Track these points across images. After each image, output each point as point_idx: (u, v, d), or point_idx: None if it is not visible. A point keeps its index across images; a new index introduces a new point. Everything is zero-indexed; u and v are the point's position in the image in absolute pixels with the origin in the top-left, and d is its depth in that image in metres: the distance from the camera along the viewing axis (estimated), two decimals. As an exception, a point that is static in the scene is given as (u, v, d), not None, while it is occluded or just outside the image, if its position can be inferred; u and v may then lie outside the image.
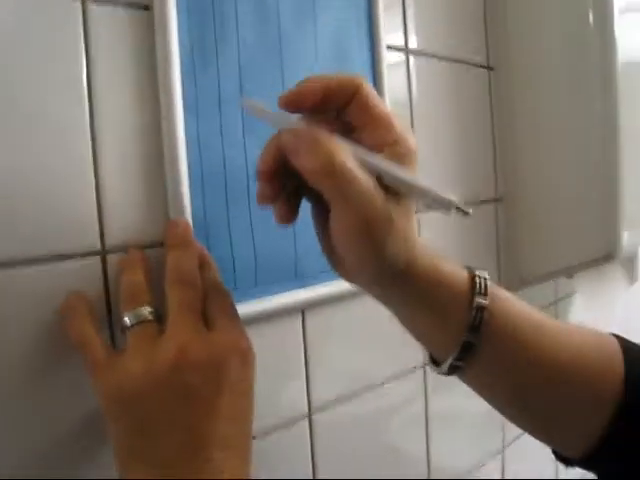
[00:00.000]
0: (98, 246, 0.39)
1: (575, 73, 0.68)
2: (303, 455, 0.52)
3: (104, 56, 0.39)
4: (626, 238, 0.66)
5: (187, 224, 0.42)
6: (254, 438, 0.47)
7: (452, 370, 0.39)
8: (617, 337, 0.42)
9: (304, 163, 0.34)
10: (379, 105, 0.36)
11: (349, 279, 0.40)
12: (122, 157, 0.40)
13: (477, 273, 0.39)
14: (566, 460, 0.42)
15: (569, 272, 0.74)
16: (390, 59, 0.58)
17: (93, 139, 0.39)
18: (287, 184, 0.37)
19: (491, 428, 0.77)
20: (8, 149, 0.35)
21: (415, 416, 0.65)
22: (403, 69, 0.62)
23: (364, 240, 0.34)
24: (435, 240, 0.61)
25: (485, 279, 0.38)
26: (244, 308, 0.45)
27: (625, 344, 0.41)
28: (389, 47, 0.58)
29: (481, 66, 0.73)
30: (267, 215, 0.47)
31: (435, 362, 0.41)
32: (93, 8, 0.39)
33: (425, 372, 0.65)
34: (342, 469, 0.55)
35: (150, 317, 0.36)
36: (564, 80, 0.69)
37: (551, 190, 0.72)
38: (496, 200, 0.75)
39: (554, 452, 0.43)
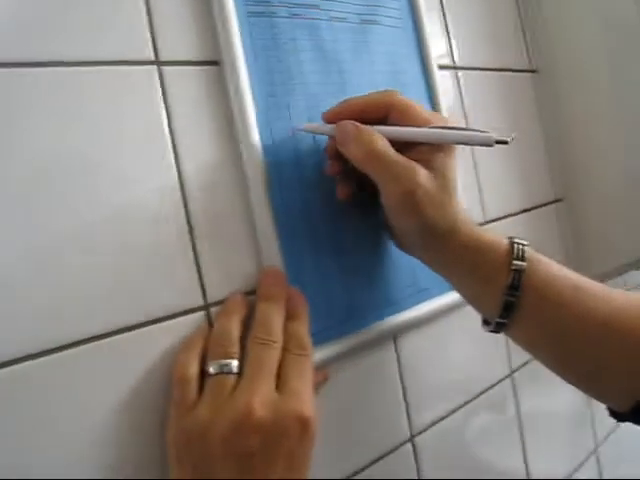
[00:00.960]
0: (201, 302, 0.40)
1: (620, 66, 0.68)
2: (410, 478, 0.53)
3: (183, 112, 0.41)
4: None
5: (279, 273, 0.43)
6: (362, 470, 0.48)
7: (499, 327, 0.44)
8: None
9: (352, 151, 0.42)
10: (416, 109, 0.43)
11: (401, 247, 0.48)
12: (212, 210, 0.42)
13: (516, 240, 0.43)
14: (618, 415, 0.43)
15: (638, 265, 0.73)
16: (441, 78, 0.59)
17: (184, 198, 0.40)
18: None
19: (582, 428, 0.76)
20: (107, 231, 0.36)
21: (509, 425, 0.65)
22: (454, 85, 0.63)
23: (407, 211, 0.41)
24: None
25: (523, 245, 0.43)
26: (339, 344, 0.46)
27: None
28: (440, 67, 0.59)
29: (524, 70, 0.73)
30: (354, 251, 0.49)
31: (485, 322, 0.46)
32: (167, 69, 0.40)
33: (512, 379, 0.65)
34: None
35: (233, 370, 0.37)
36: (610, 75, 0.69)
37: (610, 184, 0.72)
38: (556, 201, 0.75)
39: (608, 408, 0.45)
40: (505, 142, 0.40)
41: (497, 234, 0.45)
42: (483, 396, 0.61)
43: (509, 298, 0.42)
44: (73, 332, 0.34)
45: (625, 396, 0.41)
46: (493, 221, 0.64)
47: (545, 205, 0.73)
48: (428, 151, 0.42)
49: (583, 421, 0.75)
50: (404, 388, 0.53)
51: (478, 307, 0.46)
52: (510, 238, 0.44)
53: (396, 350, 0.53)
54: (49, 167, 0.35)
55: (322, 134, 0.45)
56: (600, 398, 0.44)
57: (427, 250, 0.45)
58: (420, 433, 0.54)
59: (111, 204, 0.37)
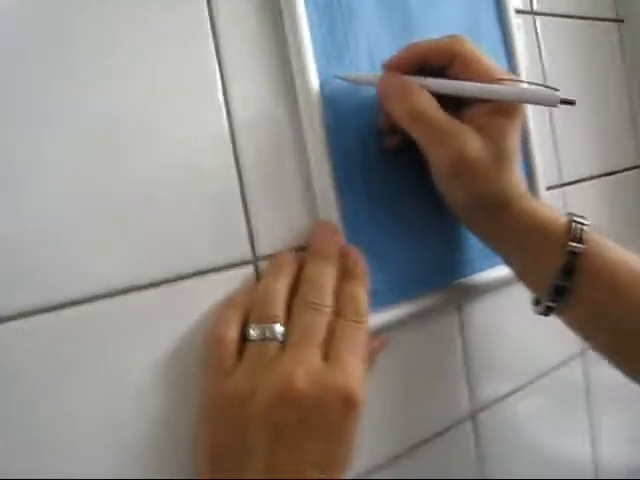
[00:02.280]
0: (250, 256, 0.37)
1: None
2: (468, 458, 0.49)
3: (234, 52, 0.37)
4: None
5: (334, 228, 0.39)
6: (418, 446, 0.45)
7: (548, 311, 0.40)
8: None
9: (394, 108, 0.39)
10: (480, 61, 0.39)
11: (453, 213, 0.43)
12: (264, 161, 0.38)
13: (576, 219, 0.39)
14: None
15: None
16: (518, 22, 0.53)
17: (234, 146, 0.37)
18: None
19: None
20: (152, 166, 0.34)
21: (577, 407, 0.60)
22: (532, 31, 0.57)
23: (452, 179, 0.39)
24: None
25: (583, 225, 0.39)
26: (397, 311, 0.43)
27: None
28: (517, 11, 0.53)
29: (610, 19, 0.67)
30: (414, 210, 0.44)
31: (537, 302, 0.42)
32: (219, 7, 0.37)
33: (584, 357, 0.60)
34: (509, 469, 0.52)
35: (277, 336, 0.34)
36: None
37: None
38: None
39: None
40: (572, 102, 0.37)
41: (557, 211, 0.41)
42: (551, 374, 0.57)
43: (561, 282, 0.38)
44: (117, 281, 0.32)
45: None
46: (569, 184, 0.59)
47: (627, 170, 0.67)
48: (486, 114, 0.39)
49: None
50: (467, 361, 0.49)
51: (527, 285, 0.42)
52: (570, 215, 0.40)
53: (460, 319, 0.49)
54: (110, 126, 0.32)
55: (368, 84, 0.41)
56: None
57: (475, 221, 0.42)
58: (482, 410, 0.50)
59: (164, 157, 0.34)
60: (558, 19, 0.60)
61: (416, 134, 0.38)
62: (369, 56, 0.43)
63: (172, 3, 0.35)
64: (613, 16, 0.67)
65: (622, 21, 0.68)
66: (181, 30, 0.35)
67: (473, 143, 0.37)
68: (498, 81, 0.38)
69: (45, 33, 0.30)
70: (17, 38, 0.30)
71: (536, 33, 0.58)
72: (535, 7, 0.58)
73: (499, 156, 0.38)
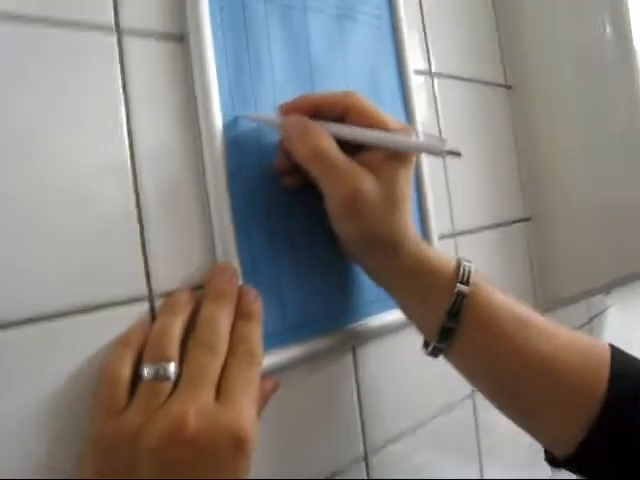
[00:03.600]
0: (145, 292, 0.37)
1: (594, 86, 0.68)
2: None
3: (141, 88, 0.38)
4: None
5: (231, 269, 0.39)
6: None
7: (436, 352, 0.42)
8: (610, 345, 0.42)
9: (295, 147, 0.40)
10: (373, 112, 0.41)
11: (347, 252, 0.45)
12: (164, 197, 0.38)
13: (464, 263, 0.41)
14: (554, 461, 0.42)
15: (606, 289, 0.72)
16: (416, 82, 0.57)
17: (135, 179, 0.37)
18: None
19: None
20: (50, 203, 0.33)
21: (468, 447, 0.62)
22: (429, 91, 0.61)
23: (346, 217, 0.40)
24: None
25: (470, 268, 0.41)
26: (293, 351, 0.43)
27: (614, 350, 0.41)
28: (416, 72, 0.57)
29: (499, 85, 0.72)
30: (312, 252, 0.46)
31: (426, 345, 0.43)
32: (128, 39, 0.37)
33: (474, 399, 0.63)
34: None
35: (170, 376, 0.33)
36: (583, 94, 0.69)
37: (581, 206, 0.70)
38: (527, 219, 0.74)
39: (545, 452, 0.43)
40: (458, 154, 0.39)
41: (446, 255, 0.43)
42: (443, 416, 0.58)
43: (448, 323, 0.40)
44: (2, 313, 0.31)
45: (565, 440, 0.39)
46: (461, 234, 0.62)
47: (515, 222, 0.72)
48: (380, 159, 0.40)
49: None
50: (360, 402, 0.50)
51: (418, 328, 0.44)
52: (458, 259, 0.42)
53: (354, 361, 0.49)
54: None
55: (270, 125, 0.43)
56: (540, 440, 0.42)
57: (367, 261, 0.44)
58: (375, 451, 0.51)
59: (57, 182, 0.33)
60: (454, 81, 0.65)
61: (315, 173, 0.40)
62: (273, 103, 0.44)
63: (82, 34, 0.35)
64: (503, 82, 0.73)
65: (510, 87, 0.74)
66: (89, 59, 0.35)
67: (368, 184, 0.39)
68: (390, 130, 0.40)
69: None
70: None
71: (433, 92, 0.61)
72: (433, 69, 0.62)
73: (392, 199, 0.40)
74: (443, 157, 0.39)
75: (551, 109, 0.72)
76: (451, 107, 0.64)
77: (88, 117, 0.35)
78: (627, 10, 0.64)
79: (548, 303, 0.74)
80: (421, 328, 0.43)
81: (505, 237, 0.69)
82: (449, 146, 0.39)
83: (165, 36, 0.39)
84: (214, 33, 0.41)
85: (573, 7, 0.69)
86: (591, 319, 0.85)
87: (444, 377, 0.55)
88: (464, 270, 0.41)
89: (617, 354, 0.40)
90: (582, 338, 0.42)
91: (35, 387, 0.32)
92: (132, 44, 0.38)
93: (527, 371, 0.40)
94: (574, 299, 0.73)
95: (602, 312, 0.87)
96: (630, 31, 0.64)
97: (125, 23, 0.37)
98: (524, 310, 0.41)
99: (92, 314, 0.34)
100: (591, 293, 0.72)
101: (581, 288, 0.72)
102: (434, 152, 0.40)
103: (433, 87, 0.62)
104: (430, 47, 0.62)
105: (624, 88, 0.65)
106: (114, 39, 0.37)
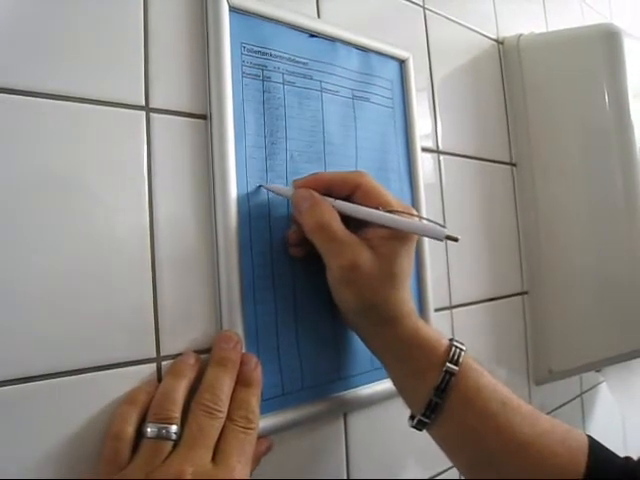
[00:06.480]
0: (154, 354, 0.39)
1: (595, 164, 0.71)
2: None
3: (164, 159, 0.41)
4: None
5: (236, 338, 0.42)
6: None
7: (421, 425, 0.44)
8: (588, 436, 0.43)
9: (303, 219, 0.43)
10: (379, 193, 0.44)
11: (344, 320, 0.48)
12: (177, 263, 0.41)
13: (455, 343, 0.44)
14: None
15: (598, 366, 0.74)
16: (423, 158, 0.60)
17: (152, 245, 0.40)
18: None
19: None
20: (72, 258, 0.36)
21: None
22: (435, 168, 0.64)
23: (343, 287, 0.43)
24: (462, 334, 0.61)
25: (461, 349, 0.43)
26: (288, 415, 0.45)
27: (592, 441, 0.42)
28: (423, 149, 0.61)
29: (504, 162, 0.76)
30: (313, 323, 0.48)
31: (412, 417, 0.45)
32: (155, 116, 0.41)
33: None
34: None
35: (171, 436, 0.36)
36: (585, 173, 0.72)
37: (579, 282, 0.73)
38: (523, 293, 0.76)
39: None
40: (455, 239, 0.41)
41: (440, 333, 0.45)
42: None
43: (435, 399, 0.42)
44: (13, 370, 0.33)
45: None
46: (458, 306, 0.64)
47: (512, 296, 0.74)
48: (381, 236, 0.43)
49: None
50: (349, 466, 0.51)
51: (405, 400, 0.46)
52: (451, 340, 0.44)
53: (345, 427, 0.51)
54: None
55: (283, 195, 0.46)
56: None
57: (363, 330, 0.46)
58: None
59: (82, 237, 0.37)
60: (459, 158, 0.68)
61: (318, 243, 0.42)
62: (287, 178, 0.48)
63: (114, 110, 0.39)
64: (507, 160, 0.76)
65: (515, 165, 0.77)
66: (120, 133, 0.39)
67: (366, 257, 0.42)
68: (394, 211, 0.43)
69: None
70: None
71: (439, 169, 0.65)
72: (440, 147, 0.65)
73: (390, 274, 0.42)
74: (442, 241, 0.41)
75: (552, 185, 0.75)
76: (456, 183, 0.67)
77: (115, 181, 0.38)
78: (625, 86, 0.68)
79: (541, 376, 0.75)
80: (408, 401, 0.45)
81: (501, 310, 0.71)
82: (448, 232, 0.41)
83: (190, 115, 0.43)
84: (235, 113, 0.44)
85: (575, 87, 0.73)
86: (582, 393, 0.86)
87: (433, 448, 0.56)
88: (455, 350, 0.43)
89: (595, 444, 0.42)
90: (561, 425, 0.43)
91: (41, 443, 0.34)
92: (159, 121, 0.41)
93: (507, 451, 0.41)
94: (567, 373, 0.75)
95: (594, 387, 0.88)
96: (627, 103, 0.68)
97: (154, 103, 0.41)
98: (508, 394, 0.43)
99: (103, 372, 0.37)
100: (582, 370, 0.74)
101: (574, 364, 0.73)
102: (434, 236, 0.42)
103: (439, 164, 0.65)
104: (439, 127, 0.65)
105: (622, 162, 0.68)
106: (143, 116, 0.40)
